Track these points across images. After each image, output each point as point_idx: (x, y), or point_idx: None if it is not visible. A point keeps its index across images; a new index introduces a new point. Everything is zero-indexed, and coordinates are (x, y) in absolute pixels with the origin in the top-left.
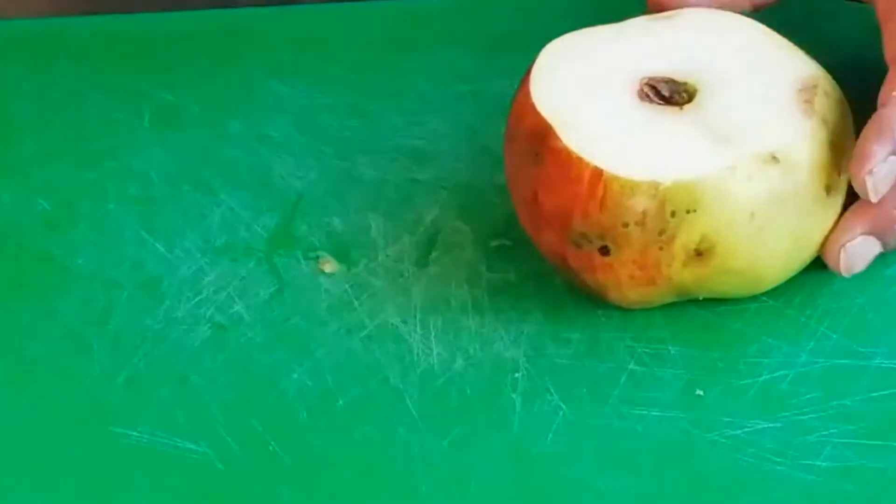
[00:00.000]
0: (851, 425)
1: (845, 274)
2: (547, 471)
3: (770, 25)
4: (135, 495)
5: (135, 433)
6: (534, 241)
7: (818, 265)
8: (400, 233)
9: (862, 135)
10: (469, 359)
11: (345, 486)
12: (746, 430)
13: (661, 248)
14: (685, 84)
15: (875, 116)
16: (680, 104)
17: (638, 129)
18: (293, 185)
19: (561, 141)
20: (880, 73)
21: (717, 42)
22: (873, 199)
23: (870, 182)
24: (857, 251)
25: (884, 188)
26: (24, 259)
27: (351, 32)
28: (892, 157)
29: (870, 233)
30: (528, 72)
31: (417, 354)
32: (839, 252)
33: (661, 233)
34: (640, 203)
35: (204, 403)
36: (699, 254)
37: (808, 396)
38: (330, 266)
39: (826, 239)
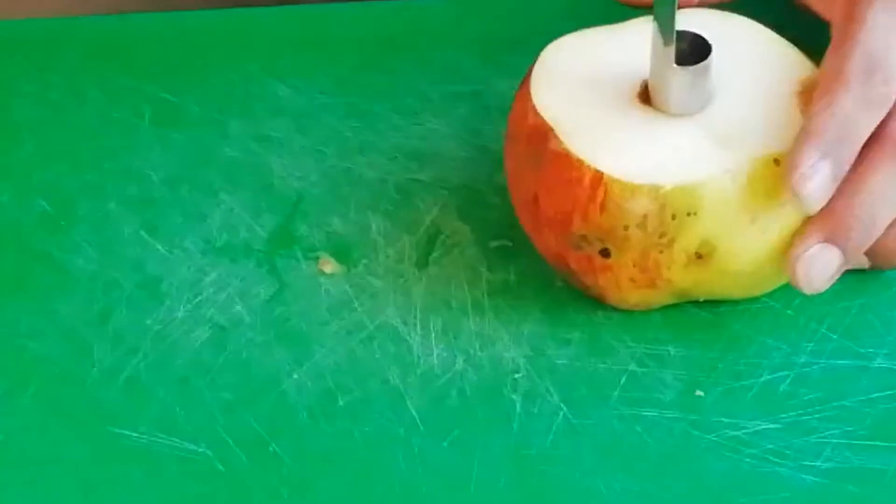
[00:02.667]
0: (851, 426)
1: (805, 288)
2: (547, 471)
3: (770, 26)
4: (135, 495)
5: (135, 433)
6: (534, 243)
7: None
8: (400, 233)
9: (792, 146)
10: (469, 359)
11: (345, 486)
12: (746, 430)
13: (661, 251)
14: None
15: (803, 125)
16: None
17: (639, 131)
18: (293, 185)
19: (561, 143)
20: None
21: (717, 44)
22: (814, 208)
23: (803, 190)
24: (816, 261)
25: (822, 195)
26: (24, 259)
27: (351, 32)
28: (822, 162)
29: (826, 241)
30: (529, 73)
31: (418, 355)
32: (796, 262)
33: (661, 236)
34: (640, 206)
35: (204, 403)
36: (700, 257)
37: (808, 397)
38: (330, 266)
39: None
